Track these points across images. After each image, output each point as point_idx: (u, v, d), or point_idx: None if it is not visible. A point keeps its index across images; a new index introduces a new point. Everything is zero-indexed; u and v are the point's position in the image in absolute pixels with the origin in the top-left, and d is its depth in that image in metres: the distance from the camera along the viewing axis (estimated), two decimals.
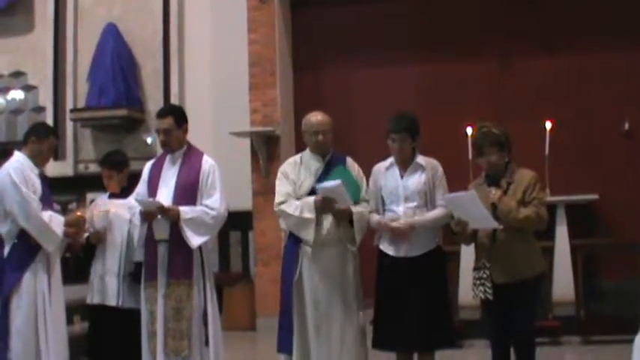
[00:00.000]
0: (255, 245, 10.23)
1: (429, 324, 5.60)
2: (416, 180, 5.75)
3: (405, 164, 5.79)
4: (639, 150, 9.80)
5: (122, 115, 11.08)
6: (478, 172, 6.02)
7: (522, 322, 5.45)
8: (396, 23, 10.50)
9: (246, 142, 10.27)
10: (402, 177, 5.78)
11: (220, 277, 9.48)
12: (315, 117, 5.82)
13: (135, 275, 6.07)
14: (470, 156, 8.07)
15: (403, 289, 5.65)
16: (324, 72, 10.87)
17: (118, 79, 11.10)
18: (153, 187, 5.85)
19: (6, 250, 5.87)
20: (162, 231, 5.71)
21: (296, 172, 5.76)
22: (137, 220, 5.81)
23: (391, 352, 5.84)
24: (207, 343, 5.69)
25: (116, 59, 11.14)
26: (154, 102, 11.12)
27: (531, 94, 10.03)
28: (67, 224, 5.98)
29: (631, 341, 3.97)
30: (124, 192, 6.44)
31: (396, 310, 5.66)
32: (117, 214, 6.33)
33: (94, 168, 11.15)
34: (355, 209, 5.59)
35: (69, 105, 11.52)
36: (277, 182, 5.85)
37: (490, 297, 5.45)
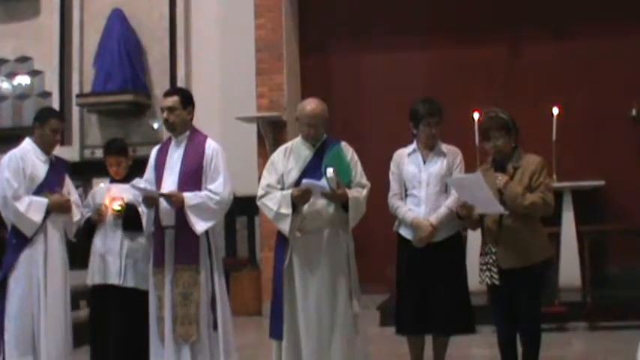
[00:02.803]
0: (262, 230, 10.24)
1: (450, 308, 5.67)
2: (438, 166, 5.83)
3: (429, 150, 5.82)
4: None
5: (128, 100, 11.07)
6: (485, 157, 6.02)
7: (528, 308, 5.46)
8: (404, 8, 10.47)
9: (252, 128, 10.26)
10: (424, 162, 5.81)
11: (227, 262, 9.47)
12: (310, 106, 5.68)
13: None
14: (477, 141, 8.07)
15: (424, 274, 5.70)
16: (331, 57, 10.85)
17: (125, 64, 11.08)
18: (159, 173, 5.85)
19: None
20: (168, 218, 5.72)
21: (284, 161, 5.71)
22: (144, 207, 5.83)
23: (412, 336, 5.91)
24: (215, 327, 5.70)
25: (122, 44, 11.11)
26: (160, 87, 11.08)
27: (539, 80, 10.02)
28: (52, 206, 5.99)
29: (637, 327, 3.96)
30: (126, 178, 6.39)
31: (417, 295, 5.71)
32: (118, 192, 6.32)
33: (100, 153, 11.07)
34: (351, 194, 5.53)
35: (75, 90, 11.51)
36: (264, 172, 5.81)
37: (496, 282, 5.46)
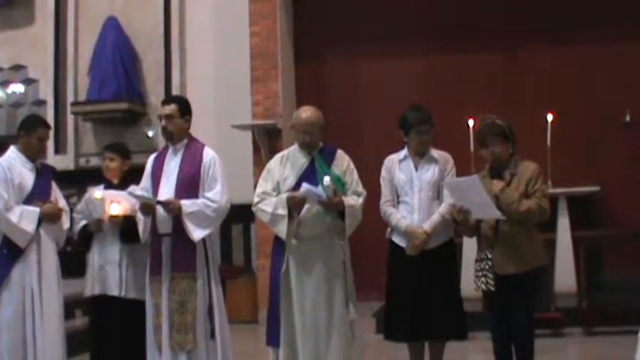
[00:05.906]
0: (257, 238, 10.23)
1: (442, 315, 5.65)
2: (430, 172, 5.80)
3: (420, 156, 5.81)
4: None
5: (123, 108, 11.04)
6: (480, 164, 6.03)
7: (523, 314, 5.46)
8: (400, 15, 10.48)
9: (248, 135, 10.26)
10: (416, 169, 5.81)
11: (222, 269, 9.45)
12: (305, 114, 5.74)
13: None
14: (472, 148, 8.08)
15: (416, 281, 5.69)
16: (326, 64, 10.87)
17: (119, 72, 11.06)
18: (156, 181, 5.86)
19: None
20: (165, 225, 5.72)
21: (281, 169, 5.74)
22: (140, 215, 5.82)
23: (401, 343, 5.88)
24: (213, 336, 5.69)
25: (117, 52, 11.10)
26: (155, 95, 11.10)
27: (533, 86, 10.03)
28: (44, 215, 5.94)
29: (633, 332, 3.96)
30: (122, 184, 6.31)
31: (409, 301, 5.69)
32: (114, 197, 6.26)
33: (95, 161, 11.14)
34: (348, 202, 5.56)
35: (70, 98, 11.48)
36: (260, 180, 5.84)
37: (492, 288, 5.46)
